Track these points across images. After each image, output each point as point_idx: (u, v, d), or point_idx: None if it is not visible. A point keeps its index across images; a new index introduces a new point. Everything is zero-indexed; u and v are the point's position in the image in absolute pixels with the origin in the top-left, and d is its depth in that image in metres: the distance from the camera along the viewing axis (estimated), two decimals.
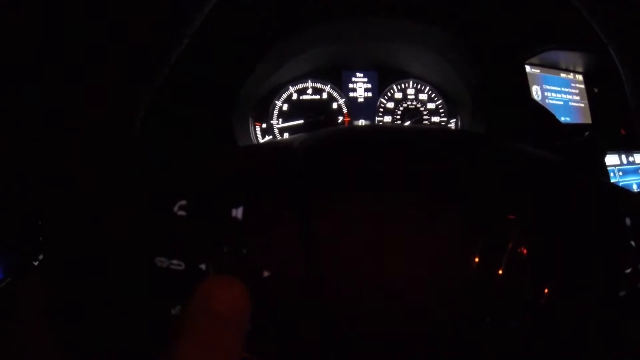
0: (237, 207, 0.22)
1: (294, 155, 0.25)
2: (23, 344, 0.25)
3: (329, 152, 0.26)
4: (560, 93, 1.07)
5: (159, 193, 0.23)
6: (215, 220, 0.22)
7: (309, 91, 0.98)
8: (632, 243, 0.26)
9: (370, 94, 1.01)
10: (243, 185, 0.23)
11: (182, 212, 0.22)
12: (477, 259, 0.22)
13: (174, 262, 0.21)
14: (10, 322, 0.24)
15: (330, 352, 0.22)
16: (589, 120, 1.10)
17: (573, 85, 1.11)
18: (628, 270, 0.26)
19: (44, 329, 0.24)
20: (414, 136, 0.28)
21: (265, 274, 0.21)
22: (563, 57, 1.03)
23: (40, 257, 0.43)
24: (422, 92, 1.03)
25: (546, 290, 0.23)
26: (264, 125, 0.95)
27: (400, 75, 1.03)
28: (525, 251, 0.22)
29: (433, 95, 1.03)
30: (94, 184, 0.23)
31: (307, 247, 0.22)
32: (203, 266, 0.21)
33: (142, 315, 0.23)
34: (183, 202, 0.22)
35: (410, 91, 1.03)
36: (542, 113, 0.82)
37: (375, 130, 0.30)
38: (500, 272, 0.22)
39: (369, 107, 1.01)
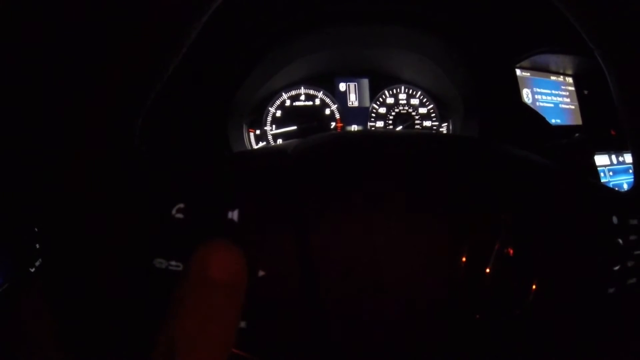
0: (233, 209, 0.22)
1: (288, 159, 0.26)
2: (29, 344, 0.25)
3: (322, 156, 0.26)
4: (550, 95, 1.08)
5: (158, 196, 0.23)
6: (212, 222, 0.22)
7: (302, 98, 0.98)
8: (620, 241, 0.27)
9: (362, 100, 1.02)
10: (239, 188, 0.24)
11: (180, 215, 0.22)
12: (464, 259, 0.22)
13: (173, 263, 0.22)
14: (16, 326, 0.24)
15: (324, 350, 0.23)
16: (579, 122, 1.11)
17: (563, 87, 1.12)
18: (616, 268, 0.26)
19: (48, 330, 0.24)
20: (405, 140, 0.29)
21: (261, 274, 0.22)
22: (553, 60, 1.04)
23: (37, 263, 0.43)
24: (414, 97, 1.04)
25: (533, 288, 0.23)
26: (258, 132, 0.95)
27: (392, 81, 1.04)
28: (512, 250, 0.23)
29: (424, 100, 1.04)
30: (94, 188, 0.23)
31: (301, 248, 0.22)
32: None
33: (141, 316, 0.23)
34: (181, 205, 0.23)
35: (402, 96, 1.04)
36: (532, 116, 0.83)
37: (366, 135, 0.30)
38: (487, 270, 0.22)
39: (361, 113, 1.01)
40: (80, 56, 0.22)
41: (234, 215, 0.22)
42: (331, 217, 0.23)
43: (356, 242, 0.22)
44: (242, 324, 0.22)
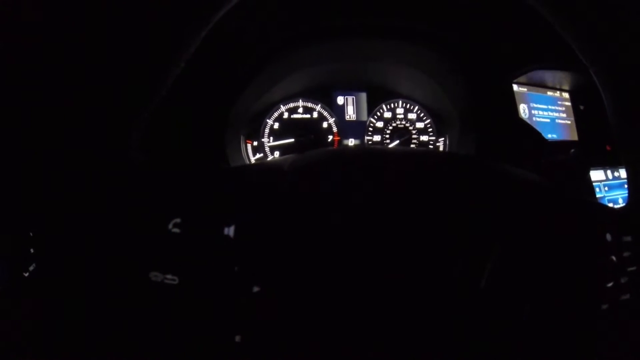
0: (229, 225, 0.23)
1: (284, 176, 0.26)
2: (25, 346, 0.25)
3: (317, 173, 0.26)
4: (547, 111, 1.09)
5: (155, 211, 0.23)
6: (208, 237, 0.23)
7: (300, 110, 0.99)
8: (613, 258, 0.27)
9: (360, 114, 1.03)
10: (235, 205, 0.24)
11: (176, 230, 0.23)
12: (459, 274, 0.22)
13: (168, 276, 0.22)
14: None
15: None
16: (575, 137, 1.11)
17: (559, 103, 1.13)
18: (610, 284, 0.26)
19: (43, 332, 0.25)
20: (400, 159, 0.29)
21: (255, 289, 0.22)
22: (549, 75, 1.05)
23: (31, 268, 0.43)
24: (411, 111, 1.04)
25: (528, 305, 0.23)
26: (255, 143, 0.95)
27: (390, 95, 1.04)
28: (506, 268, 0.23)
29: (422, 115, 1.04)
30: (91, 201, 0.23)
31: (296, 265, 0.22)
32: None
33: (137, 327, 0.23)
34: (177, 220, 0.23)
35: (399, 111, 1.04)
36: (528, 131, 0.84)
37: (362, 152, 0.31)
38: (482, 285, 0.22)
39: (358, 127, 1.02)
40: (82, 71, 0.22)
41: (230, 231, 0.23)
42: (326, 235, 0.23)
43: (351, 259, 0.22)
44: (237, 338, 0.22)
